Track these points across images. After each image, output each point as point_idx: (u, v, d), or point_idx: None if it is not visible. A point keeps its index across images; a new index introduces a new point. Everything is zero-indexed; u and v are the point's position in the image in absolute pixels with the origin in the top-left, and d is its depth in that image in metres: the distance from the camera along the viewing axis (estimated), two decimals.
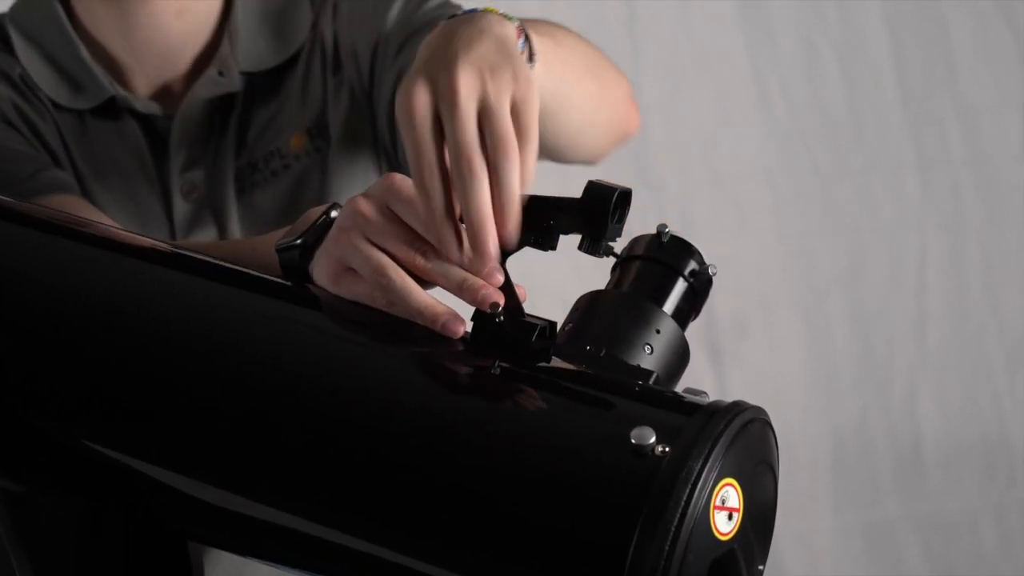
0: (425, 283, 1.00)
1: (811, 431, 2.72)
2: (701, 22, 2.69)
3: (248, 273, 1.04)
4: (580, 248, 1.00)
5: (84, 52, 1.47)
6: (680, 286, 1.02)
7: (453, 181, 0.97)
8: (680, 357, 1.01)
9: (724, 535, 0.87)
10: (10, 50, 1.49)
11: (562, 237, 1.00)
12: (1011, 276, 2.77)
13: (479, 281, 0.97)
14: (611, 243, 1.00)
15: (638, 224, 1.03)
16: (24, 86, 1.48)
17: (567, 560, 0.86)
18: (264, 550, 0.97)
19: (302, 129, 1.49)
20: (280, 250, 1.05)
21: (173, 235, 1.48)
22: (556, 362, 0.97)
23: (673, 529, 0.84)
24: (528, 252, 1.00)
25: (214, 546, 1.01)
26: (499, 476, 0.88)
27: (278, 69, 1.50)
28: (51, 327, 1.00)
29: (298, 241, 1.04)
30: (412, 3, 1.49)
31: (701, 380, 1.12)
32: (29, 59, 1.48)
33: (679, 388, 0.97)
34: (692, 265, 1.03)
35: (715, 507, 0.86)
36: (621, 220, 1.00)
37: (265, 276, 1.03)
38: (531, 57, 1.06)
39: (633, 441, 0.86)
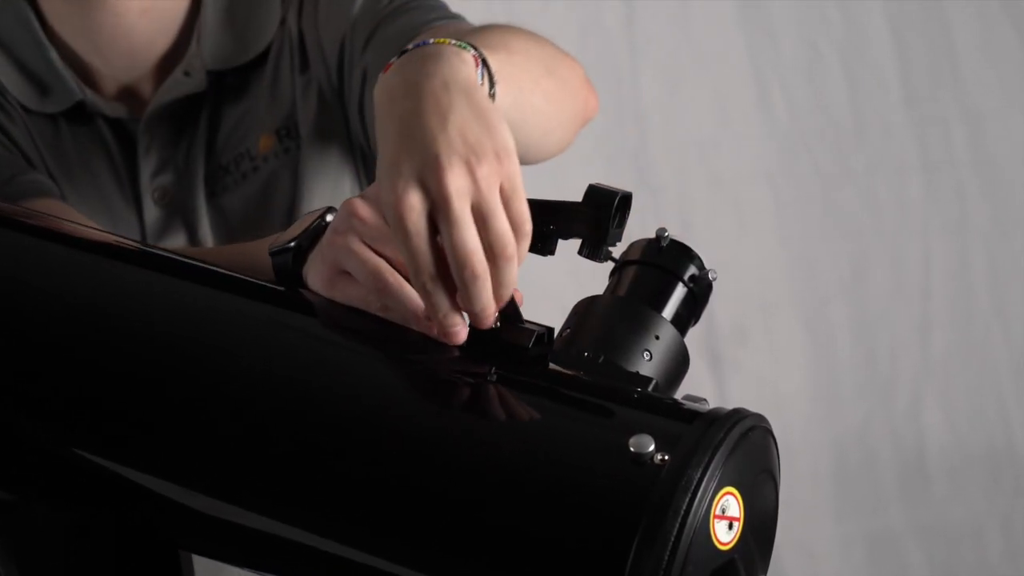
0: None
1: (813, 439, 2.71)
2: (701, 22, 2.69)
3: (240, 278, 1.03)
4: (580, 253, 1.00)
5: (54, 55, 1.46)
6: (679, 291, 1.02)
7: (455, 280, 0.96)
8: (679, 363, 1.01)
9: (724, 545, 0.87)
10: None
11: (559, 241, 1.00)
12: (1017, 281, 2.76)
13: None
14: (611, 248, 1.00)
15: (637, 227, 1.03)
16: None
17: (564, 570, 0.85)
18: (256, 560, 0.96)
19: (271, 130, 1.47)
20: (273, 254, 1.05)
21: (144, 240, 1.46)
22: (554, 369, 0.96)
23: (672, 539, 0.83)
24: (526, 256, 0.99)
25: (205, 555, 1.00)
26: (496, 485, 0.88)
27: (246, 68, 1.48)
28: (40, 332, 0.99)
29: (291, 244, 1.04)
30: None
31: (701, 387, 1.11)
32: None
33: (678, 395, 0.96)
34: (692, 270, 1.03)
35: (715, 516, 0.86)
36: (621, 224, 1.00)
37: (257, 280, 1.03)
38: (492, 83, 1.05)
39: (632, 449, 0.86)
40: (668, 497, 0.84)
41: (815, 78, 2.72)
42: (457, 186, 0.94)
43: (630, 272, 1.03)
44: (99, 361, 0.97)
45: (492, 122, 0.97)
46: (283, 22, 1.48)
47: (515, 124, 1.10)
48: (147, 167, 1.46)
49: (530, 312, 0.98)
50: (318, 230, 1.04)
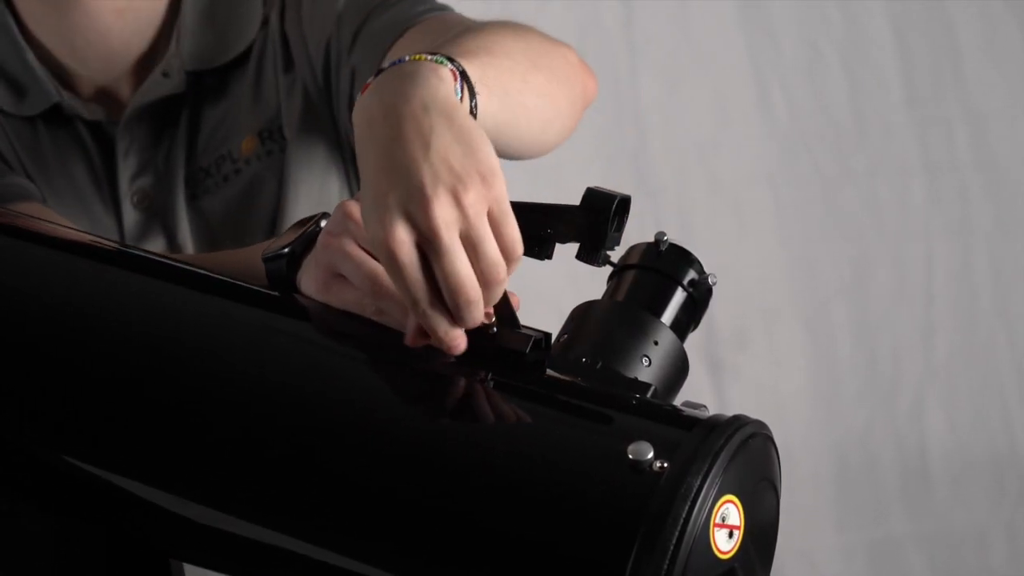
0: None
1: (814, 445, 2.70)
2: (700, 22, 2.68)
3: (233, 282, 1.03)
4: (578, 257, 1.00)
5: (31, 56, 1.45)
6: (679, 296, 1.02)
7: (448, 305, 0.95)
8: (679, 369, 1.00)
9: (724, 553, 0.86)
10: None
11: (556, 245, 0.99)
12: (1021, 283, 2.75)
13: None
14: (609, 252, 1.00)
15: (635, 231, 1.03)
16: None
17: None
18: (248, 569, 0.95)
19: (254, 132, 1.46)
20: (267, 259, 1.04)
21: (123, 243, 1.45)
22: (551, 374, 0.96)
23: (672, 547, 0.83)
24: (523, 260, 0.99)
25: (196, 564, 1.00)
26: (493, 492, 0.87)
27: (226, 68, 1.47)
28: (33, 338, 0.99)
29: (285, 250, 1.04)
30: None
31: (700, 393, 1.10)
32: None
33: (678, 401, 0.96)
34: (691, 274, 1.03)
35: (715, 524, 0.85)
36: (620, 228, 0.99)
37: (251, 286, 1.03)
38: (472, 95, 1.04)
39: (630, 456, 0.85)
40: (667, 505, 0.83)
41: (816, 78, 2.72)
42: (444, 217, 0.93)
43: (628, 276, 1.02)
44: (89, 365, 0.97)
45: (475, 143, 0.96)
46: (266, 22, 1.47)
47: (507, 126, 1.09)
48: (126, 170, 1.45)
49: (527, 317, 0.97)
50: (312, 236, 1.04)
